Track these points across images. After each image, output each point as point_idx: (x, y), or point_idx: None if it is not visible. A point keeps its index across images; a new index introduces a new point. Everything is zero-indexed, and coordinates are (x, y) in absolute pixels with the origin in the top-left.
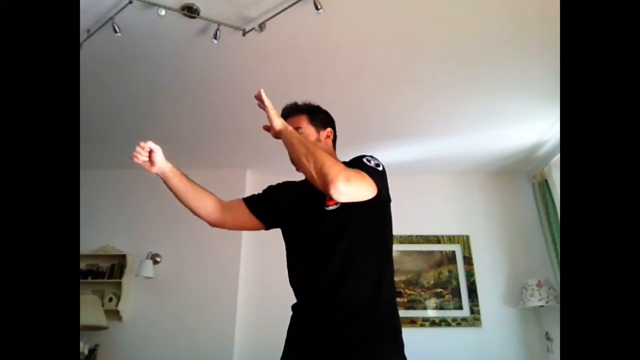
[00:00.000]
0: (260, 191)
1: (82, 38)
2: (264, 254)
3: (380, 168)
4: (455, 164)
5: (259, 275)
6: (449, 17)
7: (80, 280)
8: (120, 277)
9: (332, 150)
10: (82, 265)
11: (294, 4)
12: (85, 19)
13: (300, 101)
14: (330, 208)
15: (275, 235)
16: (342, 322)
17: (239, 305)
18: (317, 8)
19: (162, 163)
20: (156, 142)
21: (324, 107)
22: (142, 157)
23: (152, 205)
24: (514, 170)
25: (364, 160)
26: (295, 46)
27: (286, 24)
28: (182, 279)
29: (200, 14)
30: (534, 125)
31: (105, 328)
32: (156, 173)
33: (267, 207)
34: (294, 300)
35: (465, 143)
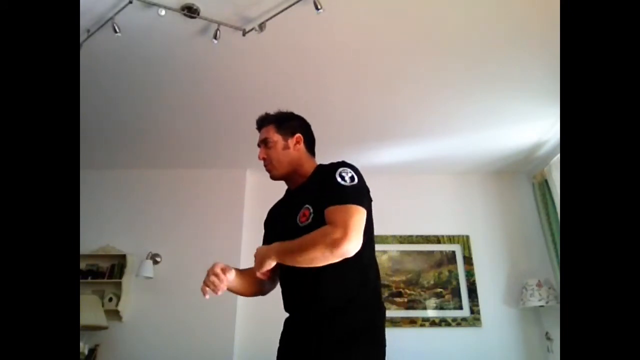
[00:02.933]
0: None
1: (82, 38)
2: None
3: (356, 180)
4: (455, 164)
5: None
6: (449, 17)
7: (80, 280)
8: (120, 277)
9: (305, 155)
10: (82, 265)
11: (294, 4)
12: (85, 19)
13: (271, 111)
14: (302, 224)
15: None
16: (317, 326)
17: (239, 305)
18: (317, 8)
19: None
20: (156, 142)
21: (324, 106)
22: (220, 290)
23: (152, 205)
24: (514, 170)
25: (338, 179)
26: (295, 46)
27: (286, 24)
28: (182, 279)
29: (200, 14)
30: (534, 125)
31: (105, 328)
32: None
33: (268, 242)
34: None
35: (465, 143)
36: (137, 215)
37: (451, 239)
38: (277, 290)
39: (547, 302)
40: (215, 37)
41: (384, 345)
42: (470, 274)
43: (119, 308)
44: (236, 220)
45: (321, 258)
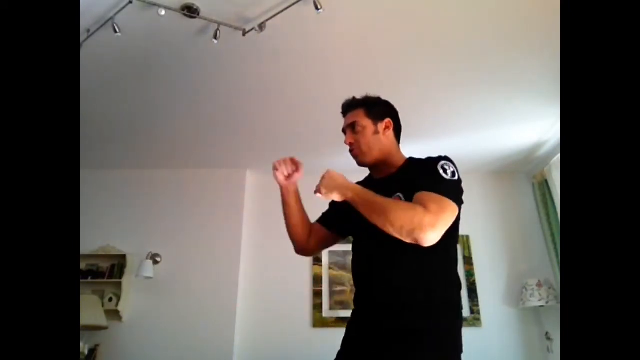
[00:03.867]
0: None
1: (82, 38)
2: (263, 254)
3: (456, 177)
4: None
5: (259, 275)
6: (449, 17)
7: (80, 280)
8: (120, 277)
9: (394, 143)
10: (82, 265)
11: (294, 4)
12: (85, 19)
13: (359, 95)
14: None
15: (274, 236)
16: (381, 319)
17: (239, 305)
18: (317, 8)
19: (294, 183)
20: (156, 142)
21: (323, 107)
22: (285, 170)
23: (152, 205)
24: (514, 170)
25: (440, 171)
26: (295, 46)
27: (286, 24)
28: (182, 279)
29: (200, 14)
30: (534, 125)
31: (105, 328)
32: (283, 186)
33: (337, 219)
34: (294, 300)
35: (465, 143)
36: (137, 215)
37: None
38: (277, 291)
39: (547, 302)
40: (215, 37)
41: (457, 352)
42: (470, 274)
43: (119, 308)
44: (236, 220)
45: (396, 230)
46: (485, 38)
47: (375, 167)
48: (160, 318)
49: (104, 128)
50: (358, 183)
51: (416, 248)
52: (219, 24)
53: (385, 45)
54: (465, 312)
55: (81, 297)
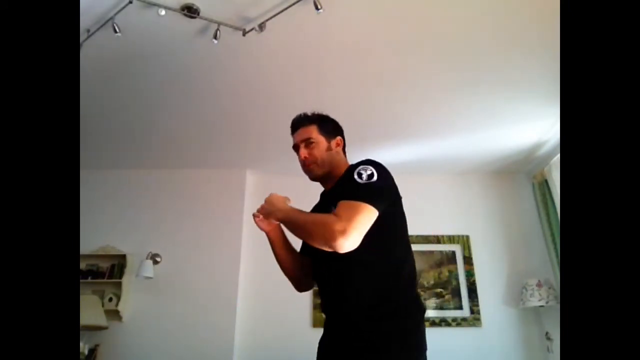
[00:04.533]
0: None
1: (82, 38)
2: (263, 254)
3: (374, 178)
4: (455, 164)
5: (259, 275)
6: (449, 17)
7: (80, 280)
8: (120, 277)
9: (343, 158)
10: (82, 265)
11: (294, 4)
12: (85, 19)
13: (309, 112)
14: None
15: None
16: (344, 333)
17: (239, 305)
18: (317, 8)
19: (277, 226)
20: (156, 142)
21: (324, 107)
22: (257, 216)
23: (152, 205)
24: (514, 170)
25: (355, 177)
26: (295, 46)
27: (286, 24)
28: (182, 279)
29: (200, 14)
30: (534, 125)
31: (105, 328)
32: (267, 232)
33: (306, 244)
34: (294, 300)
35: (465, 143)
36: (137, 215)
37: (451, 239)
38: (277, 291)
39: (547, 302)
40: (215, 37)
41: (422, 349)
42: (470, 274)
43: (119, 308)
44: (236, 220)
45: (317, 243)
46: (485, 38)
47: (324, 180)
48: (160, 318)
49: (104, 128)
50: (316, 204)
51: (358, 257)
52: (219, 24)
53: (385, 46)
54: (465, 312)
55: (81, 297)
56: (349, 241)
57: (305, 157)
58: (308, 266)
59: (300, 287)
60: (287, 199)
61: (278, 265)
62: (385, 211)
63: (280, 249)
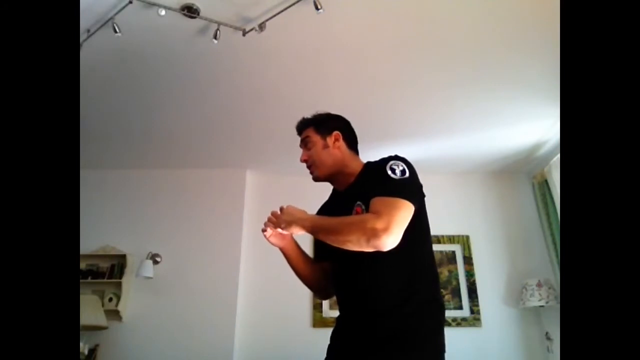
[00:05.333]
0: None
1: (82, 38)
2: (264, 254)
3: (407, 174)
4: (455, 164)
5: (259, 275)
6: (449, 17)
7: (80, 280)
8: (120, 277)
9: (347, 152)
10: (82, 265)
11: (294, 4)
12: (85, 19)
13: (309, 114)
14: None
15: None
16: (369, 326)
17: (239, 305)
18: (317, 8)
19: (290, 239)
20: (156, 142)
21: (323, 106)
22: (274, 228)
23: (152, 205)
24: (514, 170)
25: (389, 172)
26: (295, 46)
27: (286, 24)
28: (182, 279)
29: (200, 14)
30: (534, 125)
31: (105, 328)
32: (280, 247)
33: (322, 248)
34: (294, 300)
35: (465, 143)
36: (137, 215)
37: (451, 239)
38: (277, 291)
39: (547, 302)
40: (215, 37)
41: (441, 352)
42: (470, 274)
43: (119, 308)
44: (236, 220)
45: (355, 244)
46: (485, 38)
47: (333, 180)
48: (160, 318)
49: (104, 128)
50: (325, 203)
51: (387, 253)
52: (219, 24)
53: (385, 46)
54: (465, 312)
55: (81, 297)
56: (392, 238)
57: (303, 160)
58: (327, 272)
59: (327, 295)
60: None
61: (300, 279)
62: (416, 209)
63: (299, 261)
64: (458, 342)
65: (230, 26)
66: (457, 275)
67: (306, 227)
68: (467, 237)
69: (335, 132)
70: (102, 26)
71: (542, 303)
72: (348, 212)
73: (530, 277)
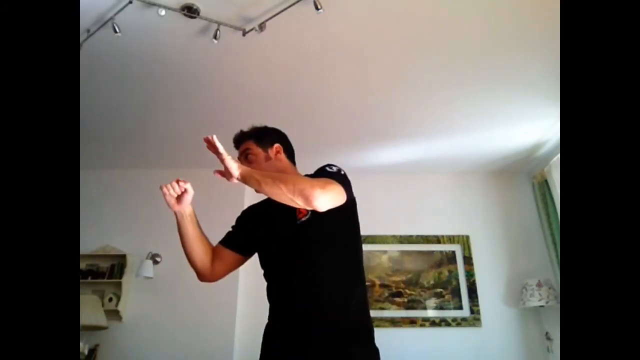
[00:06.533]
0: (231, 227)
1: (82, 38)
2: None
3: (343, 172)
4: (455, 164)
5: (259, 275)
6: (449, 17)
7: (80, 280)
8: (120, 277)
9: (288, 164)
10: (82, 265)
11: (294, 4)
12: (85, 19)
13: (245, 128)
14: (302, 220)
15: None
16: (316, 328)
17: (239, 305)
18: (317, 8)
19: (187, 205)
20: (156, 142)
21: (324, 107)
22: (173, 192)
23: (152, 205)
24: (514, 170)
25: (327, 168)
26: (295, 46)
27: (286, 24)
28: (182, 279)
29: (200, 14)
30: (534, 125)
31: (105, 328)
32: (176, 211)
33: (241, 238)
34: None
35: (465, 143)
36: (137, 215)
37: (451, 239)
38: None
39: (547, 302)
40: (215, 37)
41: (377, 352)
42: (470, 274)
43: (119, 308)
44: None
45: (290, 191)
46: (485, 38)
47: None
48: (160, 318)
49: (104, 127)
50: (260, 202)
51: (325, 255)
52: (219, 24)
53: (385, 46)
54: (465, 312)
55: (81, 297)
56: (325, 197)
57: None
58: (223, 257)
59: (206, 277)
60: None
61: (186, 252)
62: (349, 208)
63: (193, 231)
64: (458, 342)
65: (230, 26)
66: (457, 275)
67: (243, 170)
68: (467, 237)
69: (277, 145)
70: (102, 26)
71: (542, 303)
72: (290, 215)
73: (530, 277)
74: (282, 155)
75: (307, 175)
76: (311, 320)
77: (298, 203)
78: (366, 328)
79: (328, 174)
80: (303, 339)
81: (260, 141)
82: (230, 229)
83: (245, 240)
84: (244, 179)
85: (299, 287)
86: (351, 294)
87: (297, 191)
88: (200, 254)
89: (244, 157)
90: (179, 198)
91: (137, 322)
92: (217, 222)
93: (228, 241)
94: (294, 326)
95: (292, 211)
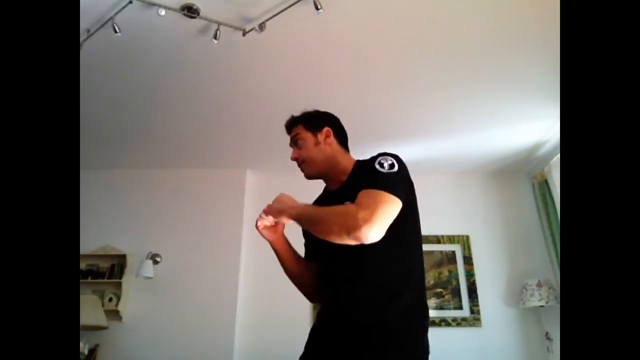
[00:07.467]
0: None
1: (82, 38)
2: (263, 254)
3: (396, 168)
4: (455, 164)
5: (259, 275)
6: (449, 17)
7: (80, 280)
8: (120, 277)
9: (338, 148)
10: (82, 265)
11: (294, 4)
12: (85, 19)
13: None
14: None
15: None
16: (351, 331)
17: (239, 305)
18: (317, 8)
19: (281, 234)
20: (156, 142)
21: (324, 107)
22: (268, 222)
23: (152, 205)
24: (514, 170)
25: (377, 166)
26: (295, 46)
27: (286, 24)
28: (182, 279)
29: (200, 14)
30: (534, 125)
31: (105, 328)
32: (272, 240)
33: (315, 247)
34: (294, 300)
35: (465, 143)
36: (137, 215)
37: (451, 239)
38: (277, 291)
39: (547, 302)
40: (215, 37)
41: (426, 353)
42: (470, 274)
43: (119, 308)
44: (236, 220)
45: (336, 235)
46: (485, 38)
47: (325, 178)
48: (160, 318)
49: (103, 128)
50: (314, 201)
51: (375, 252)
52: (219, 24)
53: (385, 46)
54: (465, 312)
55: (81, 297)
56: (374, 230)
57: (294, 158)
58: (316, 269)
59: (318, 297)
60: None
61: (290, 279)
62: (404, 205)
63: (289, 257)
64: (458, 342)
65: (230, 26)
66: (457, 275)
67: (292, 215)
68: (467, 237)
69: (326, 129)
70: (102, 26)
71: (542, 303)
72: None
73: (530, 277)
74: (332, 139)
75: (361, 163)
76: (352, 320)
77: (347, 242)
78: (409, 334)
79: (378, 181)
80: (343, 343)
81: (309, 125)
82: (304, 240)
83: (311, 248)
84: (295, 221)
85: (340, 289)
86: (397, 294)
87: (341, 233)
88: (312, 276)
89: (293, 143)
90: (274, 227)
91: (137, 322)
92: (217, 222)
93: (312, 254)
94: (334, 328)
95: None
